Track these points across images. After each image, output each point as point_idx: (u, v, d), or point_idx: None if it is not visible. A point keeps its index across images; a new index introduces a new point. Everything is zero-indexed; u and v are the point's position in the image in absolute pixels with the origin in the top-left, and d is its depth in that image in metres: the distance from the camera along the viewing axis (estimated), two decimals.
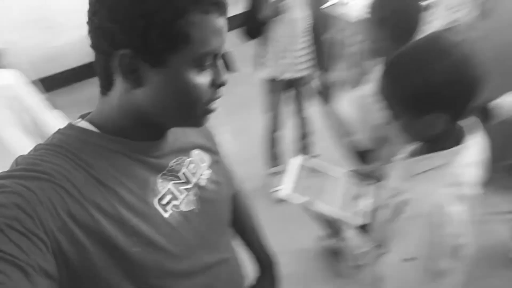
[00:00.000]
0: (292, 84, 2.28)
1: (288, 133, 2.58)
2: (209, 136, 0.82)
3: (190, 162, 0.71)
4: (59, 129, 0.61)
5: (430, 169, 0.80)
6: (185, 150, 0.71)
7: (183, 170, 0.68)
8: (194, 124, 0.65)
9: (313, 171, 1.11)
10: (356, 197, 1.06)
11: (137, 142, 0.62)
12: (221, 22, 0.56)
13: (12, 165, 0.55)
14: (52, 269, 0.47)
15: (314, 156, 2.51)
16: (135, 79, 0.55)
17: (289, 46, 2.11)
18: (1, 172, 0.52)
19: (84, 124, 0.61)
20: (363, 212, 1.01)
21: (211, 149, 0.79)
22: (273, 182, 2.52)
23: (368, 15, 1.24)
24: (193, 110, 0.60)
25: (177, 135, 0.70)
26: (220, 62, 0.60)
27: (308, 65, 2.21)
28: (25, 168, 0.52)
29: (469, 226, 0.78)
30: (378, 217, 0.94)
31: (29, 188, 0.49)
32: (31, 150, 0.57)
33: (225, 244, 0.76)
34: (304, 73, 2.23)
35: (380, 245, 0.89)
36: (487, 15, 1.95)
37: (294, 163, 1.12)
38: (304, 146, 2.58)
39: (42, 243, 0.47)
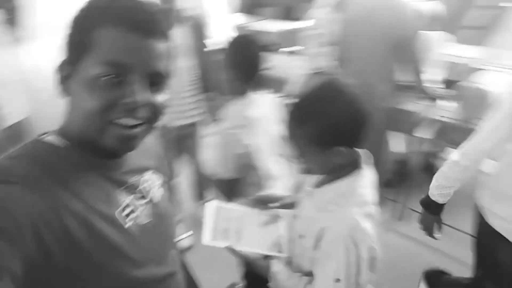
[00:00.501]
0: (183, 131, 2.29)
1: (184, 180, 2.55)
2: (161, 161, 0.87)
3: (145, 181, 0.76)
4: (25, 143, 0.62)
5: (338, 195, 0.89)
6: (141, 170, 0.76)
7: (142, 186, 0.74)
8: (106, 142, 0.61)
9: (228, 211, 1.12)
10: (268, 223, 1.10)
11: (98, 158, 0.65)
12: (134, 37, 0.58)
13: None
14: (19, 273, 0.48)
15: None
16: (64, 88, 0.62)
17: (176, 94, 2.13)
18: None
19: (51, 138, 0.64)
20: (283, 243, 1.05)
21: (162, 171, 0.85)
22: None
23: (224, 59, 1.45)
24: (97, 125, 0.60)
25: (134, 156, 0.73)
26: (135, 81, 0.59)
27: (197, 112, 2.26)
28: None
29: (376, 240, 0.88)
30: (298, 247, 0.99)
31: (7, 192, 0.51)
32: (0, 159, 0.57)
33: (172, 258, 0.79)
34: (193, 120, 2.26)
35: (307, 274, 0.93)
36: (345, 64, 2.31)
37: (209, 208, 1.11)
38: (201, 191, 2.56)
39: (16, 247, 0.48)
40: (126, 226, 0.65)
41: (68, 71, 0.61)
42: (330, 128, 0.83)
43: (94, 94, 0.58)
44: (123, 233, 0.63)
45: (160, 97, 0.64)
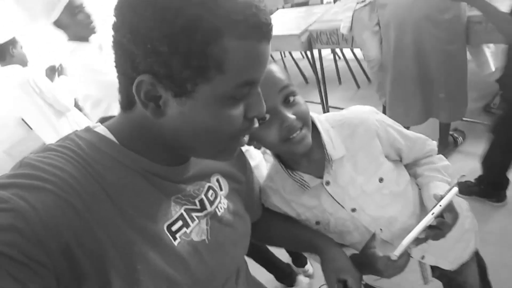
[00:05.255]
0: None
1: None
2: (236, 161, 0.78)
3: (209, 188, 0.67)
4: (76, 131, 0.56)
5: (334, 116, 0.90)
6: (205, 175, 0.68)
7: (201, 196, 0.64)
8: (221, 158, 0.60)
9: None
10: None
11: (155, 164, 0.57)
12: (262, 47, 0.49)
13: (14, 167, 0.48)
14: None
15: None
16: (154, 108, 0.50)
17: None
18: (2, 176, 0.46)
19: (102, 130, 0.56)
20: None
21: (233, 176, 0.75)
22: None
23: None
24: (222, 144, 0.55)
25: (199, 160, 0.66)
26: (257, 91, 0.54)
27: None
28: (29, 174, 0.46)
29: None
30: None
31: (30, 203, 0.43)
32: (40, 150, 0.51)
33: (235, 280, 0.69)
34: None
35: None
36: None
37: None
38: None
39: (43, 268, 0.42)
40: (175, 243, 0.56)
41: (171, 91, 0.48)
42: None
43: (228, 116, 0.51)
44: (169, 252, 0.55)
45: None
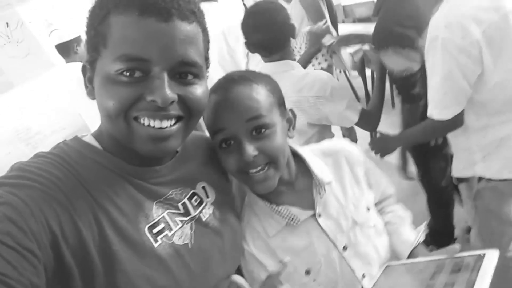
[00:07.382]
0: None
1: None
2: (220, 174, 0.76)
3: (194, 194, 0.67)
4: (64, 140, 0.59)
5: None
6: (190, 182, 0.68)
7: (184, 200, 0.65)
8: (140, 146, 0.56)
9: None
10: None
11: (135, 167, 0.60)
12: (143, 22, 0.50)
13: (7, 172, 0.52)
14: (43, 284, 0.45)
15: None
16: (90, 90, 0.57)
17: None
18: None
19: (88, 138, 0.61)
20: None
21: (220, 186, 0.74)
22: None
23: None
24: (118, 121, 0.54)
25: (182, 166, 0.68)
26: (156, 76, 0.52)
27: None
28: (19, 176, 0.50)
29: None
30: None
31: (21, 198, 0.47)
32: (31, 157, 0.55)
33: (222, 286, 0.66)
34: None
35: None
36: None
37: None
38: None
39: (34, 257, 0.44)
40: (155, 245, 0.57)
41: (90, 71, 0.57)
42: None
43: (113, 93, 0.52)
44: (149, 254, 0.55)
45: (195, 89, 0.56)
